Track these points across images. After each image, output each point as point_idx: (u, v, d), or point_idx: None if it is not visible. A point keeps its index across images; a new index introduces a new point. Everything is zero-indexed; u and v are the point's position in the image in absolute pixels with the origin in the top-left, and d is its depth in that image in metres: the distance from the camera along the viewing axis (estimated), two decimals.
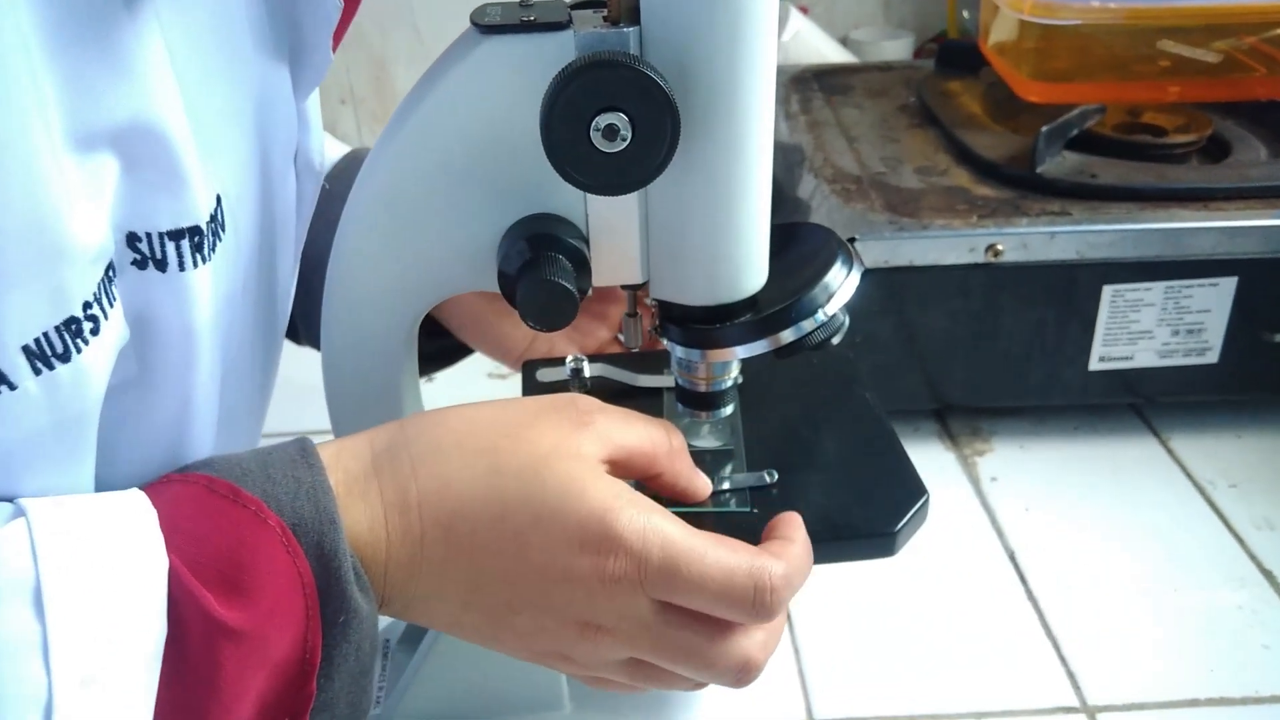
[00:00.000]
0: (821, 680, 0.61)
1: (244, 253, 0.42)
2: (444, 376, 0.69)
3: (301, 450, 0.38)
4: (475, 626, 0.40)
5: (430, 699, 0.57)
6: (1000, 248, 0.72)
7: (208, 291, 0.37)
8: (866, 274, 0.46)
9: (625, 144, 0.38)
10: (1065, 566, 0.69)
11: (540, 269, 0.41)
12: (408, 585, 0.38)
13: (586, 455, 0.39)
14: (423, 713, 0.57)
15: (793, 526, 0.42)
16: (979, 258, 0.73)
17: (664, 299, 0.46)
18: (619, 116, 0.38)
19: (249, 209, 0.42)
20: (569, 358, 0.56)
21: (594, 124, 0.38)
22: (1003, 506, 0.75)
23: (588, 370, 0.56)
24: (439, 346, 0.64)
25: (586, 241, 0.44)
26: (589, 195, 0.43)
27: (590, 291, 0.44)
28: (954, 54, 1.02)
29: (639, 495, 0.39)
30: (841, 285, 0.45)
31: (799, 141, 0.91)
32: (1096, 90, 0.87)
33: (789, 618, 0.66)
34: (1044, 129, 0.78)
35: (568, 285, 0.41)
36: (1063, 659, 0.63)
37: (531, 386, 0.57)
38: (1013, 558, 0.70)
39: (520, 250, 0.42)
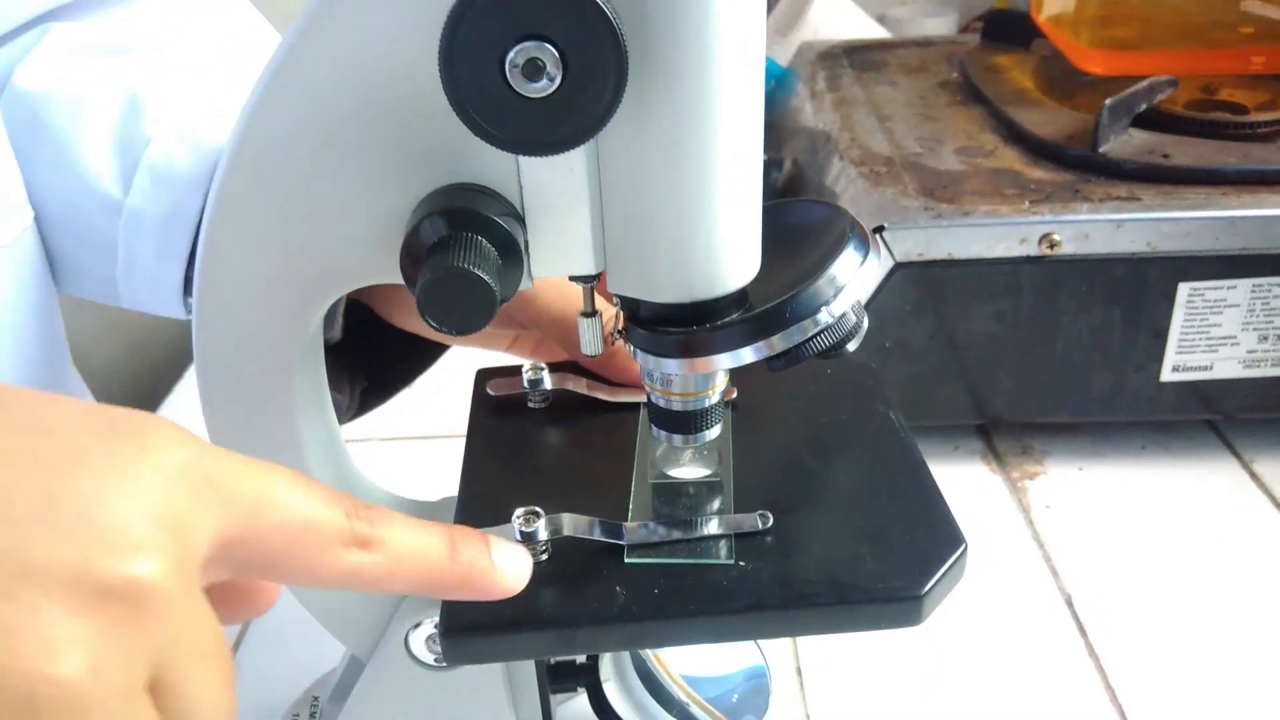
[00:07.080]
0: None
1: None
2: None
3: None
4: None
5: None
6: (1057, 238, 0.65)
7: None
8: (898, 269, 0.38)
9: (554, 85, 0.29)
10: (1134, 616, 0.61)
11: (449, 254, 0.32)
12: None
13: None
14: None
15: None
16: (1031, 250, 0.65)
17: (626, 294, 0.37)
18: (544, 47, 0.29)
19: None
20: (526, 365, 0.47)
21: (511, 57, 0.29)
22: (1058, 541, 0.67)
23: (548, 381, 0.47)
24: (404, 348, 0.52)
25: (522, 220, 0.35)
26: (519, 158, 0.34)
27: (530, 283, 0.36)
28: (1002, 25, 0.95)
29: None
30: (853, 277, 0.36)
31: (824, 122, 0.81)
32: (1167, 60, 0.79)
33: (800, 681, 0.56)
34: (1108, 102, 0.69)
35: (482, 275, 0.32)
36: None
37: (481, 401, 0.48)
38: (1070, 604, 0.62)
39: (427, 229, 0.33)
